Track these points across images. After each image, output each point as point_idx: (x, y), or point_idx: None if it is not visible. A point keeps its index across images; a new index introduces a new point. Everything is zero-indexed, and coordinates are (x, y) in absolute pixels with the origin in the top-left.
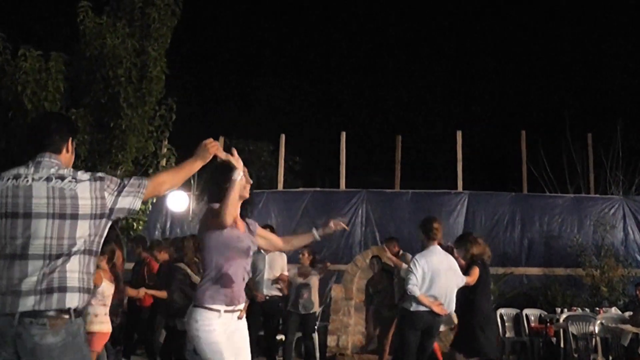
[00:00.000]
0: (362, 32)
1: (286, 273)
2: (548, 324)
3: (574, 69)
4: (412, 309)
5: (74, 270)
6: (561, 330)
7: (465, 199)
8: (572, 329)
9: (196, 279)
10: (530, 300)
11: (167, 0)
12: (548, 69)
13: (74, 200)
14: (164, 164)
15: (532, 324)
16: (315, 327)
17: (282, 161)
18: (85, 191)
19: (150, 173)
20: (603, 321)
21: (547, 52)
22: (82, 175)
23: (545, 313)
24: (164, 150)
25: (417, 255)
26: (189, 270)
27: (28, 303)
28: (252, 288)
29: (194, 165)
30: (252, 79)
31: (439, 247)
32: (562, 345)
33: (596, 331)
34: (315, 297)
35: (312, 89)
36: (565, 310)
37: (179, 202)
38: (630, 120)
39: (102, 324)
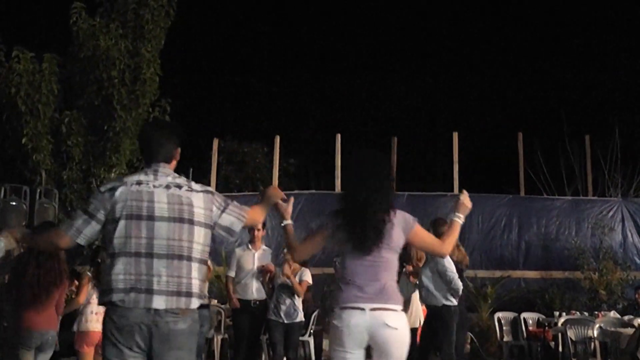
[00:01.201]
0: (358, 33)
1: (272, 265)
2: (546, 328)
3: (571, 70)
4: (456, 305)
5: (196, 277)
6: (559, 334)
7: None
8: (571, 332)
9: None
10: (528, 304)
11: (161, 1)
12: (545, 70)
13: (190, 207)
14: None
15: (530, 328)
16: (308, 335)
17: (277, 163)
18: (199, 201)
19: None
20: (602, 325)
21: (544, 53)
22: (195, 185)
23: (544, 317)
24: None
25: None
26: None
27: (161, 302)
28: (230, 290)
29: (266, 210)
30: (246, 80)
31: None
32: (560, 349)
33: (595, 335)
34: (299, 303)
35: (306, 90)
36: (564, 313)
37: None
38: (628, 121)
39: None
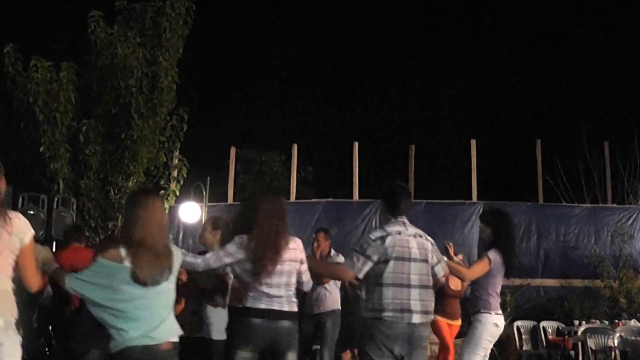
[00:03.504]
0: (375, 41)
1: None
2: (566, 337)
3: (590, 77)
4: None
5: (432, 300)
6: (579, 343)
7: (480, 209)
8: (591, 341)
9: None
10: (547, 312)
11: (179, 9)
12: (563, 77)
13: (426, 251)
14: (175, 175)
15: (550, 337)
16: None
17: (294, 172)
18: (429, 247)
19: (162, 184)
20: (622, 334)
21: (562, 60)
22: (426, 236)
23: (563, 325)
24: (175, 161)
25: None
26: None
27: (417, 318)
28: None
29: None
30: (263, 88)
31: None
32: (580, 358)
33: (615, 344)
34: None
35: (324, 99)
36: (584, 322)
37: (191, 213)
38: None
39: None
